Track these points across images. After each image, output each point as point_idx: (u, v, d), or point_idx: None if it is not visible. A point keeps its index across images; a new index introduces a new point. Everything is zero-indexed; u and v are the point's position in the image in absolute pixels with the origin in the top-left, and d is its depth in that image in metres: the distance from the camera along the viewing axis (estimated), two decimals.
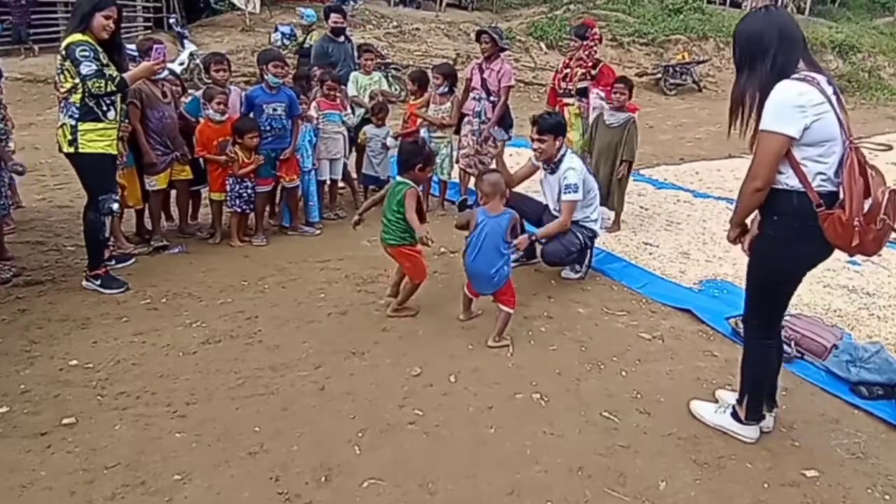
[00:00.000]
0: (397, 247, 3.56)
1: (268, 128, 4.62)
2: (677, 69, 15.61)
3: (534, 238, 4.01)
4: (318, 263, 4.41)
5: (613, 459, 2.52)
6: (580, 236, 4.13)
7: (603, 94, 5.18)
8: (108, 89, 3.55)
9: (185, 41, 12.59)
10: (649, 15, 19.09)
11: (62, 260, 4.32)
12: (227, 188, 4.57)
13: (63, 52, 3.53)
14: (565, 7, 19.09)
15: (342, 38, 6.24)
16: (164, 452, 2.45)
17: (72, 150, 3.63)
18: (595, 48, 5.35)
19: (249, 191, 4.62)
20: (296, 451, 2.49)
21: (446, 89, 5.29)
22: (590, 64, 5.26)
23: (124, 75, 3.69)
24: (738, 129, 2.35)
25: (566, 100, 5.39)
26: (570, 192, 3.98)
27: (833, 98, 2.22)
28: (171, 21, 14.12)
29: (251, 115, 4.62)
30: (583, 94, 5.29)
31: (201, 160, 4.63)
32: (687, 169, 7.82)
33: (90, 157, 3.65)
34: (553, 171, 4.15)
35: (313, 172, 5.05)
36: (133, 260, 4.31)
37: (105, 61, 3.57)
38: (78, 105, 3.57)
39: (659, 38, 17.62)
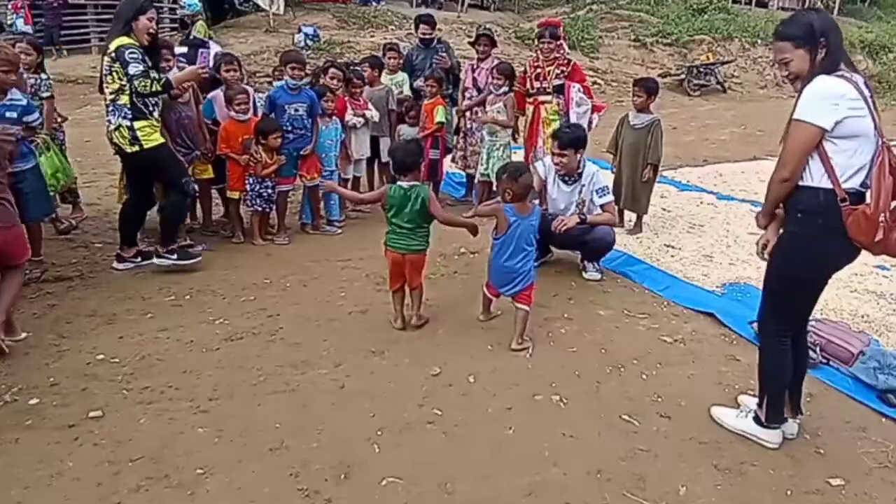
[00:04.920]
0: (422, 253, 3.43)
1: (289, 128, 4.68)
2: (701, 70, 15.43)
3: (582, 219, 4.11)
4: (339, 262, 4.45)
5: (633, 463, 2.50)
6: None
7: (582, 89, 5.23)
8: (154, 89, 3.71)
9: (210, 42, 12.76)
10: (673, 15, 18.89)
11: (90, 256, 4.42)
12: (248, 187, 4.64)
13: (113, 55, 3.67)
14: (588, 7, 18.98)
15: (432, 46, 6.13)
16: (186, 447, 2.50)
17: (136, 148, 3.79)
18: (565, 46, 5.49)
19: (270, 190, 4.68)
20: (315, 449, 2.52)
21: (507, 89, 5.32)
22: (564, 62, 5.29)
23: (170, 77, 3.86)
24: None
25: (542, 98, 5.36)
26: (606, 195, 4.18)
27: (869, 99, 2.23)
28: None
29: (273, 115, 4.68)
30: (559, 91, 5.29)
31: (223, 158, 4.71)
32: (710, 171, 7.72)
33: (156, 150, 3.84)
34: (569, 182, 4.21)
35: (336, 172, 5.10)
36: None
37: (150, 64, 3.73)
38: (129, 106, 3.73)
39: (683, 39, 17.43)
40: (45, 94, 4.57)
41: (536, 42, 5.49)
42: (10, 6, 12.20)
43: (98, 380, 2.94)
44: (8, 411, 2.68)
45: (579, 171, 4.17)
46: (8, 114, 3.62)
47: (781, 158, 2.29)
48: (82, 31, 12.79)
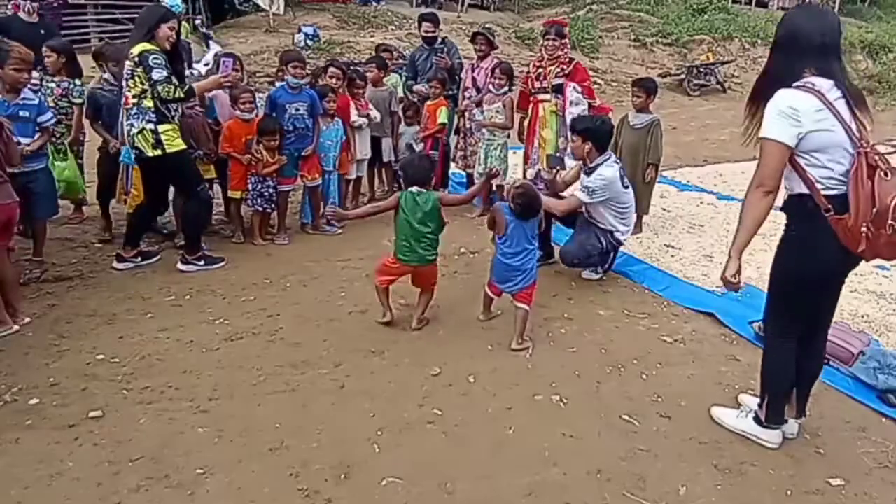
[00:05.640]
0: (434, 263, 3.53)
1: (291, 128, 4.69)
2: (701, 70, 15.40)
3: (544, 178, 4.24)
4: (339, 262, 4.45)
5: (633, 463, 2.50)
6: (603, 242, 4.14)
7: (580, 89, 5.20)
8: (176, 95, 3.75)
9: (211, 42, 12.77)
10: (673, 15, 18.87)
11: (90, 256, 4.42)
12: (249, 187, 4.64)
13: (136, 59, 3.69)
14: (588, 7, 18.97)
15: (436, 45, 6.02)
16: (186, 447, 2.50)
17: (158, 152, 3.80)
18: (568, 46, 5.47)
19: (271, 190, 4.68)
20: (315, 449, 2.52)
21: (507, 89, 5.34)
22: (566, 61, 5.27)
23: (193, 85, 3.91)
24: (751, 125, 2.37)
25: (541, 96, 5.34)
26: (583, 191, 4.06)
27: (839, 103, 2.18)
28: (197, 22, 14.33)
29: (274, 115, 4.68)
30: (558, 90, 5.26)
31: (225, 158, 4.70)
32: (710, 171, 7.73)
33: (177, 155, 3.87)
34: (588, 174, 4.21)
35: (335, 172, 5.09)
36: (158, 257, 4.39)
37: (171, 70, 3.76)
38: (154, 110, 3.75)
39: (683, 39, 17.40)
40: (77, 100, 4.60)
41: (542, 40, 5.48)
42: (10, 6, 12.20)
43: (98, 380, 2.94)
44: (8, 411, 2.68)
45: (591, 165, 4.13)
46: (21, 113, 3.64)
47: (758, 177, 2.26)
48: (82, 31, 12.77)
